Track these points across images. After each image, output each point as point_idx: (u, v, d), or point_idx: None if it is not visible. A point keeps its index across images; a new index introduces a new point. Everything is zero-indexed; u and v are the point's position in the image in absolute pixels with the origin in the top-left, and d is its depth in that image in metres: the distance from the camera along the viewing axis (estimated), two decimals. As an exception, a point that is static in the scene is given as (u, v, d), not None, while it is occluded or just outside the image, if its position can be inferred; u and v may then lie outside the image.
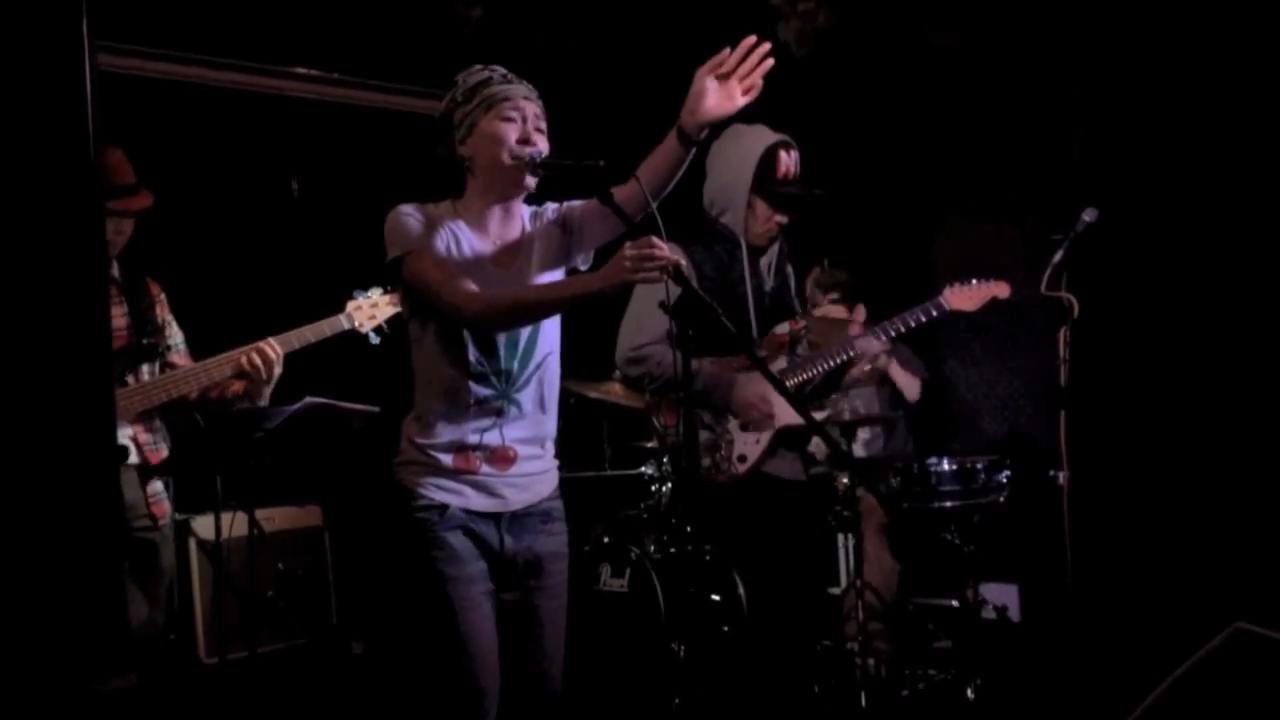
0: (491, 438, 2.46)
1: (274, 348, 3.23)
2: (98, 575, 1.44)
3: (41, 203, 1.41)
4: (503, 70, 2.51)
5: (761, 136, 3.57)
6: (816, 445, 3.88)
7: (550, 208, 2.61)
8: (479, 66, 2.52)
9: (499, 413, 2.46)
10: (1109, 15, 4.80)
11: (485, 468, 2.46)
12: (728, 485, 3.48)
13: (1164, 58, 4.61)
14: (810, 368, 3.56)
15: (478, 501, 2.45)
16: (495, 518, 2.46)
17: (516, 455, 2.49)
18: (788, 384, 3.52)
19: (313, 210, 4.83)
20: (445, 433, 2.44)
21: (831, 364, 3.55)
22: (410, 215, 2.43)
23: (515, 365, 2.48)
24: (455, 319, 2.40)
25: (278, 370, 3.25)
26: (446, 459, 2.44)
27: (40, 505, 1.40)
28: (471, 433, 2.45)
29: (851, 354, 3.55)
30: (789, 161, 3.55)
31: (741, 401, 3.48)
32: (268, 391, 3.27)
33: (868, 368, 3.63)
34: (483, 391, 2.45)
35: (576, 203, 2.59)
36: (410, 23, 4.87)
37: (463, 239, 2.46)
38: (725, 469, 3.48)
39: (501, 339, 2.45)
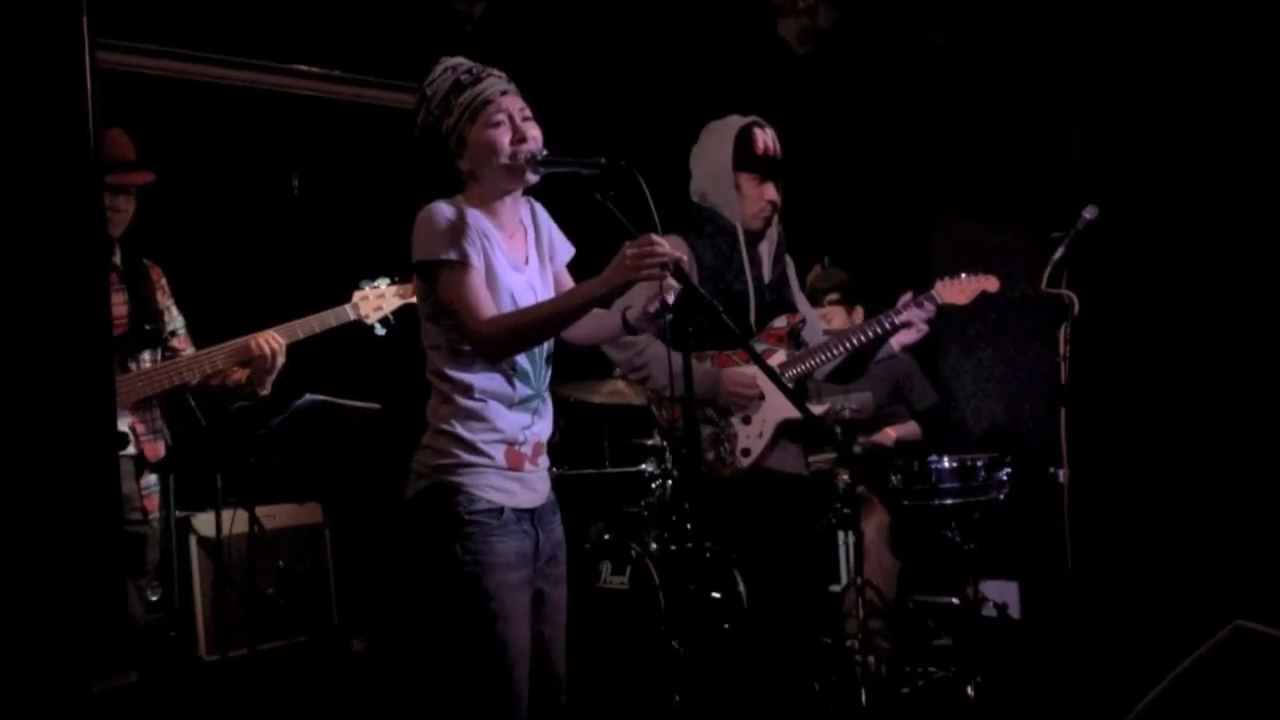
0: (530, 434, 2.47)
1: (276, 339, 3.23)
2: (97, 570, 1.43)
3: (43, 200, 1.41)
4: (465, 64, 2.48)
5: (733, 120, 3.60)
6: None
7: (544, 219, 2.62)
8: (440, 68, 2.48)
9: (535, 410, 2.49)
10: (1108, 12, 4.79)
11: (528, 464, 2.47)
12: (732, 479, 3.48)
13: (1163, 55, 4.61)
14: (827, 352, 3.56)
15: (524, 498, 2.45)
16: (531, 513, 2.47)
17: (544, 449, 2.53)
18: (789, 375, 3.52)
19: (314, 207, 4.84)
20: (497, 429, 2.42)
21: (867, 337, 3.54)
22: (450, 219, 2.37)
23: (544, 362, 2.51)
24: (475, 345, 2.37)
25: (280, 360, 3.24)
26: (500, 455, 2.42)
27: (40, 498, 1.39)
28: (519, 430, 2.45)
29: (895, 323, 3.54)
30: (765, 138, 3.57)
31: (728, 390, 3.48)
32: (270, 381, 3.26)
33: (925, 329, 3.60)
34: (525, 390, 2.46)
35: (563, 260, 2.65)
36: (412, 20, 4.87)
37: (491, 236, 2.44)
38: (730, 462, 3.48)
39: None
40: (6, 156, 1.39)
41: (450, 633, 2.40)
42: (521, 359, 2.45)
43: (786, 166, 3.62)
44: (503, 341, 2.37)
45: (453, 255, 2.35)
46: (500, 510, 2.39)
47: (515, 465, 2.44)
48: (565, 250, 2.66)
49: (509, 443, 2.43)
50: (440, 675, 2.45)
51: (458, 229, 2.37)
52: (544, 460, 2.53)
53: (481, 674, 2.35)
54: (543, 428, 2.52)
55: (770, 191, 3.56)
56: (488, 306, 2.37)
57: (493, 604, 2.34)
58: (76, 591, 1.42)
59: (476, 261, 2.37)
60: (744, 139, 3.55)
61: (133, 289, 3.27)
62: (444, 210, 2.40)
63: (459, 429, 2.40)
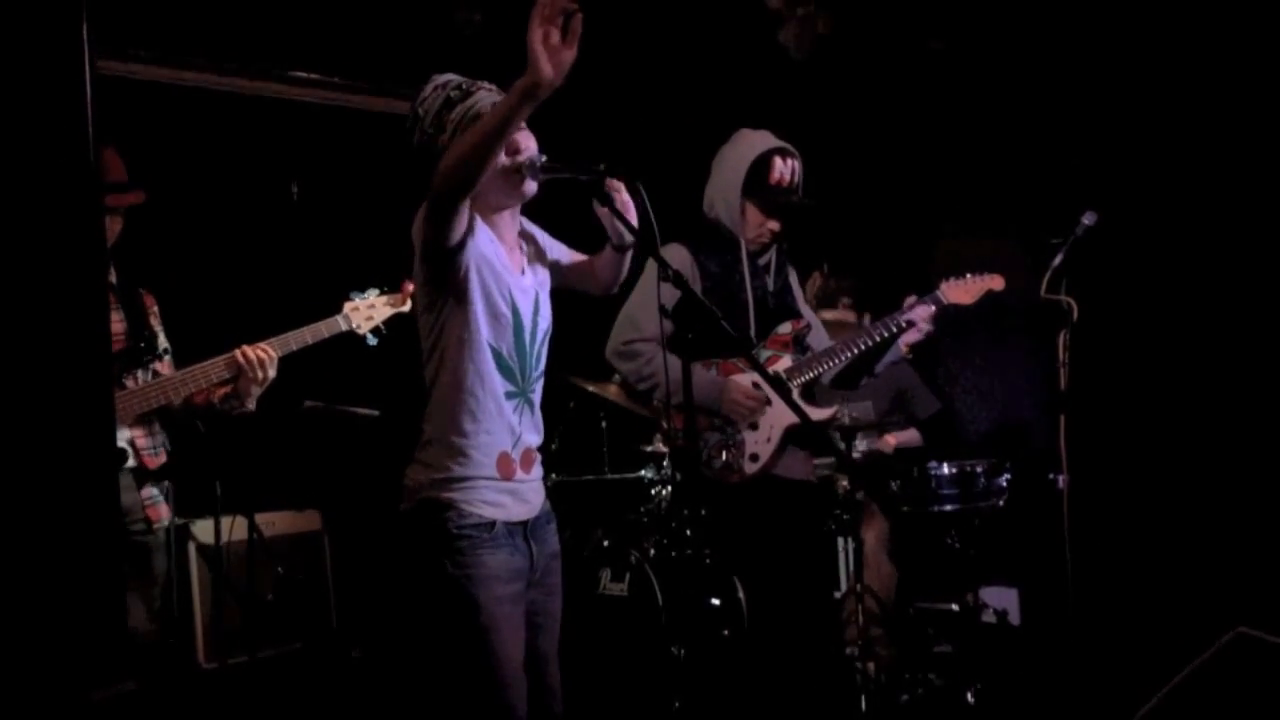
0: (521, 440, 2.45)
1: (268, 350, 3.22)
2: (96, 579, 1.43)
3: (41, 208, 1.41)
4: (455, 80, 2.46)
5: (759, 141, 3.59)
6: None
7: (534, 230, 2.63)
8: (430, 87, 2.46)
9: (520, 411, 2.45)
10: (1108, 19, 4.80)
11: (520, 473, 2.44)
12: (740, 486, 3.47)
13: (1163, 61, 4.61)
14: (834, 356, 3.55)
15: (516, 511, 2.43)
16: (523, 525, 2.44)
17: (535, 458, 2.50)
18: (796, 381, 3.52)
19: (312, 214, 4.84)
20: (486, 437, 2.39)
21: (873, 340, 3.54)
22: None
23: (531, 360, 2.48)
24: (435, 184, 2.27)
25: (271, 373, 3.23)
26: (490, 465, 2.39)
27: (39, 509, 1.39)
28: (508, 435, 2.42)
29: (901, 325, 3.54)
30: (783, 169, 3.56)
31: (729, 400, 3.48)
32: (257, 393, 3.25)
33: (930, 328, 3.60)
34: (508, 385, 2.43)
35: (560, 245, 2.67)
36: (411, 27, 4.88)
37: (485, 236, 2.43)
38: (738, 469, 3.47)
39: (509, 334, 2.42)
40: (4, 165, 1.39)
41: (444, 648, 2.39)
42: (508, 350, 2.42)
43: (800, 194, 3.61)
44: (452, 162, 2.24)
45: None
46: (491, 524, 2.37)
47: (507, 474, 2.41)
48: (557, 244, 2.68)
49: (500, 450, 2.40)
50: (436, 691, 2.42)
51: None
52: (536, 470, 2.50)
53: (477, 690, 2.33)
54: (531, 436, 2.49)
55: (774, 224, 3.57)
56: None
57: (484, 618, 2.32)
58: (75, 600, 1.41)
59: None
60: (759, 166, 3.55)
61: (128, 307, 3.27)
62: None
63: (452, 436, 2.38)
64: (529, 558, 2.44)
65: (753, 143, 3.59)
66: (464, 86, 2.45)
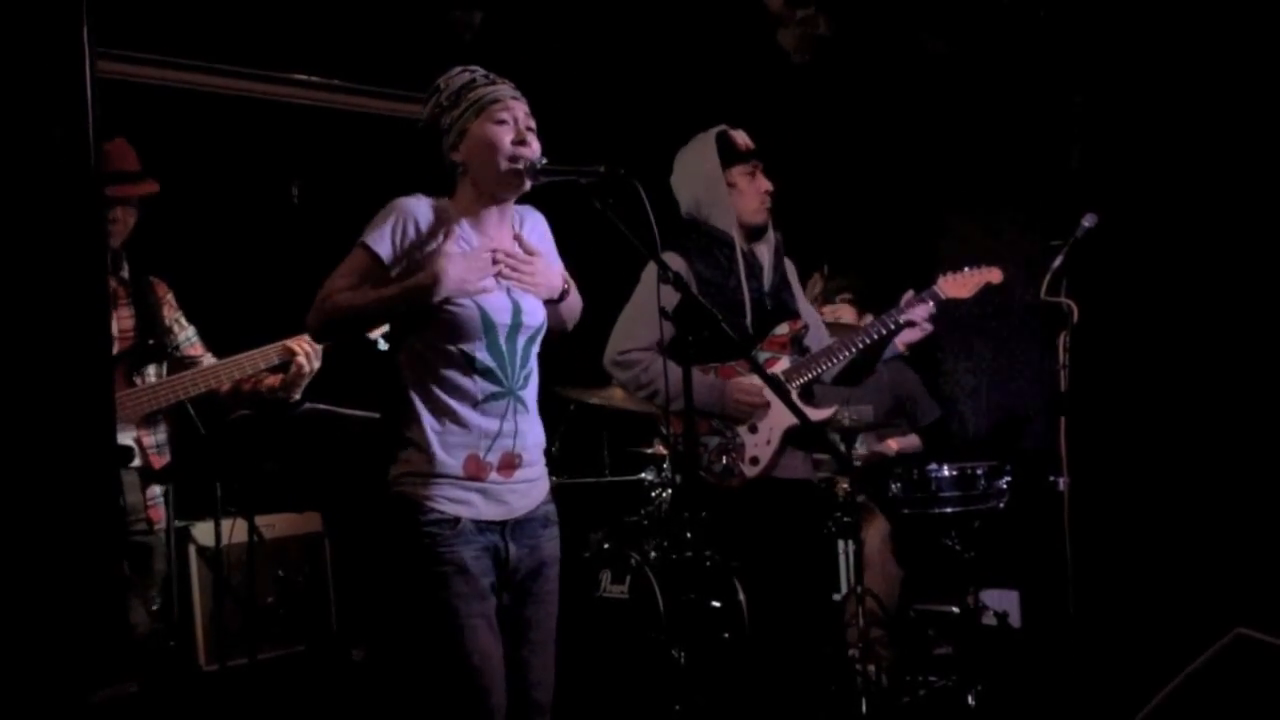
0: (503, 442, 2.41)
1: (311, 343, 3.25)
2: (97, 579, 1.43)
3: (41, 209, 1.41)
4: (483, 70, 2.49)
5: (704, 134, 3.63)
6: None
7: (539, 233, 2.60)
8: (458, 69, 2.50)
9: (506, 413, 2.41)
10: (1109, 21, 4.80)
11: (494, 474, 2.40)
12: (740, 490, 3.47)
13: (1163, 63, 4.62)
14: (832, 356, 3.55)
15: (487, 510, 2.40)
16: (501, 525, 2.41)
17: (522, 461, 2.45)
18: (796, 382, 3.52)
19: (313, 215, 4.84)
20: (456, 437, 2.37)
21: (872, 339, 3.54)
22: (400, 214, 2.41)
23: (518, 360, 2.44)
24: (317, 327, 2.41)
25: (317, 364, 3.27)
26: (456, 465, 2.37)
27: (40, 509, 1.39)
28: (483, 436, 2.39)
29: (899, 322, 3.53)
30: (741, 136, 3.61)
31: (732, 401, 3.48)
32: (303, 385, 3.28)
33: (929, 328, 3.58)
34: (490, 387, 2.40)
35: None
36: (411, 29, 4.88)
37: (463, 237, 2.42)
38: (738, 472, 3.47)
39: (479, 335, 2.39)
40: (5, 166, 1.40)
41: (410, 644, 2.39)
42: (482, 353, 2.39)
43: (784, 172, 3.62)
44: (317, 319, 2.37)
45: (366, 240, 2.40)
46: (455, 520, 2.35)
47: (475, 475, 2.38)
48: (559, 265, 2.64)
49: (470, 448, 2.38)
50: (411, 680, 2.43)
51: (398, 223, 2.40)
52: (524, 473, 2.45)
53: (443, 685, 2.33)
54: (520, 440, 2.44)
55: (763, 182, 3.58)
56: (338, 287, 2.36)
57: (446, 614, 2.31)
58: (77, 601, 1.41)
59: (383, 253, 2.38)
60: (724, 139, 3.59)
61: (139, 303, 3.28)
62: (406, 204, 2.43)
63: (417, 436, 2.38)
64: (503, 557, 2.41)
65: (701, 137, 3.62)
66: (490, 76, 2.49)
